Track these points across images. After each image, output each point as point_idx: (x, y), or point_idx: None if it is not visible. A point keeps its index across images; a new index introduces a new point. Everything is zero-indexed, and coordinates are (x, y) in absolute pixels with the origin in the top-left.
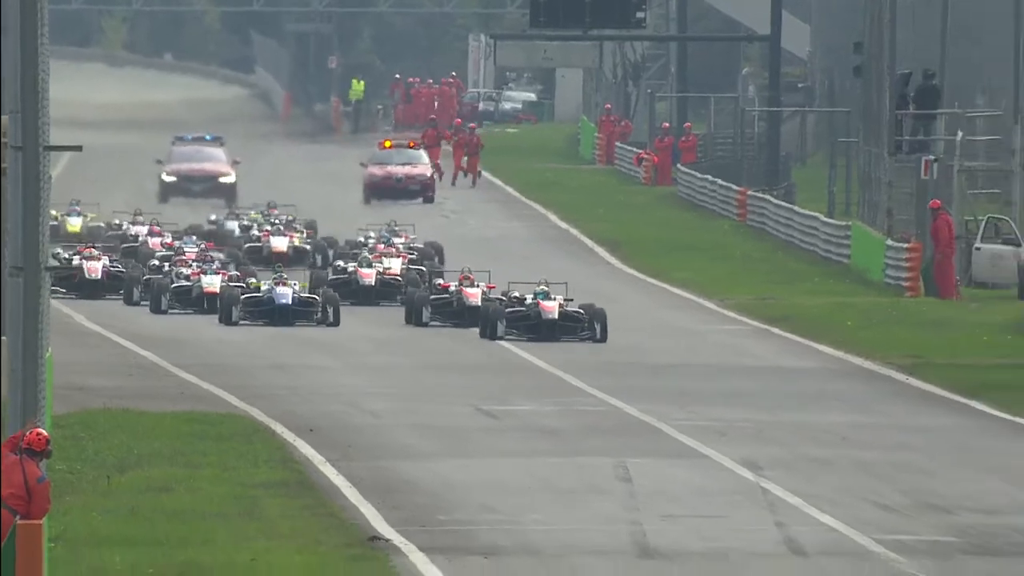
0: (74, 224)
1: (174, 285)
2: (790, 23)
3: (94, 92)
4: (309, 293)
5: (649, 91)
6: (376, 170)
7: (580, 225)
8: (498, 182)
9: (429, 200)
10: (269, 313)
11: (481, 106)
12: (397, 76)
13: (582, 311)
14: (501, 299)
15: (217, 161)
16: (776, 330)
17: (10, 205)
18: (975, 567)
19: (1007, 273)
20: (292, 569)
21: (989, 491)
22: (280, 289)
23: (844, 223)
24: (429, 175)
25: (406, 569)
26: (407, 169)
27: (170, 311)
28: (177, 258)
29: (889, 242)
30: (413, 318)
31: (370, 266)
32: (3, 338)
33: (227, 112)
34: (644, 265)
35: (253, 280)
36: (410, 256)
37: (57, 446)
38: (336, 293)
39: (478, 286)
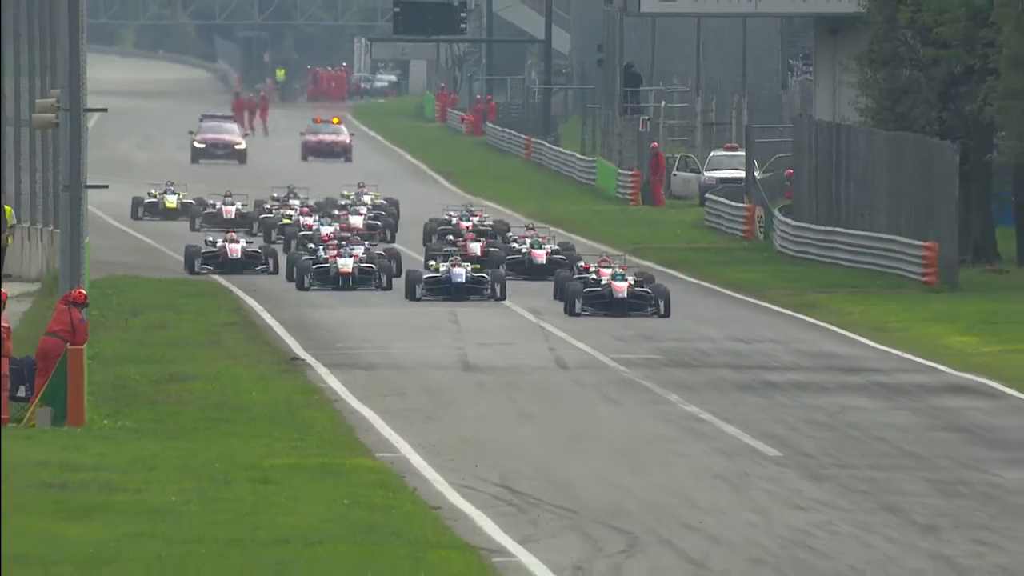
0: (171, 201)
1: (315, 266)
2: (557, 32)
3: (114, 74)
4: (480, 272)
5: (469, 75)
6: (311, 137)
7: (425, 161)
8: (372, 134)
9: (348, 160)
10: (446, 290)
11: (362, 85)
12: (308, 66)
13: (649, 291)
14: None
15: (233, 133)
16: (552, 228)
17: (64, 149)
18: (672, 373)
19: (693, 190)
20: (242, 378)
21: (682, 327)
22: (455, 270)
23: (591, 159)
24: (348, 141)
25: (315, 377)
26: (333, 137)
27: (311, 288)
28: (328, 242)
29: (619, 171)
30: (558, 294)
31: (540, 247)
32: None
33: (199, 88)
34: (467, 187)
35: (433, 263)
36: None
37: (93, 299)
38: (508, 271)
39: (611, 267)
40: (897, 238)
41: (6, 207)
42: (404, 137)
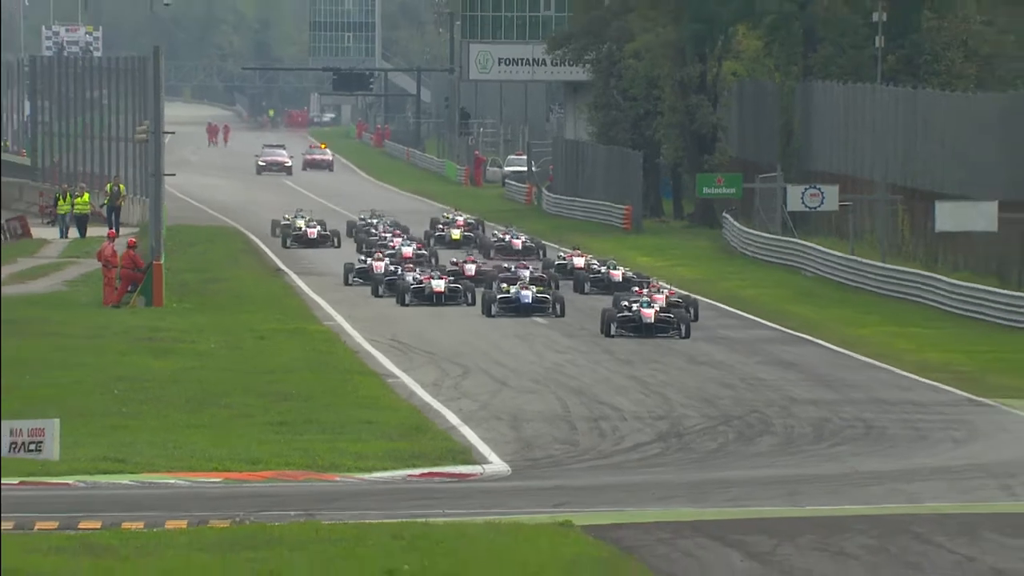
0: (300, 222)
1: (413, 286)
2: (424, 90)
3: (178, 112)
4: (543, 294)
5: (374, 113)
6: (309, 156)
7: (350, 161)
8: (321, 147)
9: (331, 170)
10: (516, 308)
11: (314, 119)
12: (285, 108)
13: (672, 316)
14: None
15: (283, 156)
16: (419, 197)
17: (151, 154)
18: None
19: (498, 177)
20: (250, 280)
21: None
22: (523, 292)
23: (442, 160)
24: (331, 159)
25: (290, 281)
26: (322, 156)
27: (409, 304)
28: (407, 264)
29: (457, 167)
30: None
31: (617, 268)
32: (147, 199)
33: (225, 120)
34: (375, 176)
35: (505, 285)
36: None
37: (168, 238)
38: (591, 287)
39: (662, 291)
40: (609, 203)
41: (120, 184)
42: (339, 148)
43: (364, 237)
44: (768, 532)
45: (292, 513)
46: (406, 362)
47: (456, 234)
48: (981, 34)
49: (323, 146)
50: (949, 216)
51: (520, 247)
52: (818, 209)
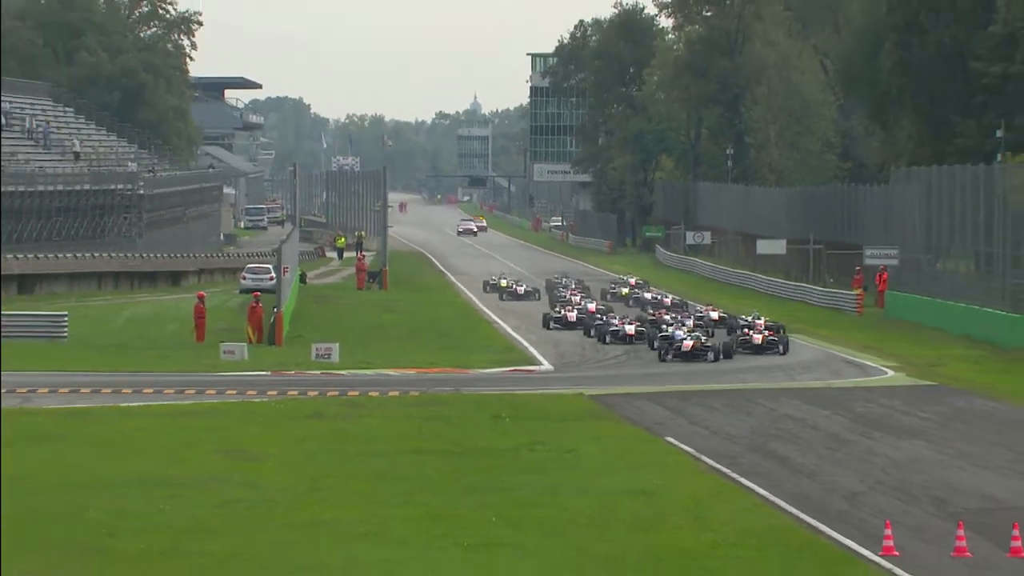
0: (504, 283)
1: (611, 328)
2: (513, 187)
3: (393, 196)
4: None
5: (488, 197)
6: (468, 225)
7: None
8: (463, 213)
9: (485, 232)
10: (681, 355)
11: (460, 200)
12: (446, 194)
13: (776, 338)
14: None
15: (472, 225)
16: (508, 236)
17: (382, 216)
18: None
19: (547, 229)
20: (429, 277)
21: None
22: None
23: (520, 219)
24: (485, 225)
25: (448, 278)
26: (479, 223)
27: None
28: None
29: (527, 222)
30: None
31: (760, 318)
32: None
33: (409, 200)
34: (492, 227)
35: (679, 334)
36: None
37: (390, 258)
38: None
39: (763, 332)
40: (600, 240)
41: (362, 232)
42: (474, 214)
43: (555, 294)
44: (677, 398)
45: (448, 388)
46: (503, 315)
47: (624, 291)
48: (778, 161)
49: (481, 218)
50: (764, 246)
51: (670, 303)
52: (701, 243)
